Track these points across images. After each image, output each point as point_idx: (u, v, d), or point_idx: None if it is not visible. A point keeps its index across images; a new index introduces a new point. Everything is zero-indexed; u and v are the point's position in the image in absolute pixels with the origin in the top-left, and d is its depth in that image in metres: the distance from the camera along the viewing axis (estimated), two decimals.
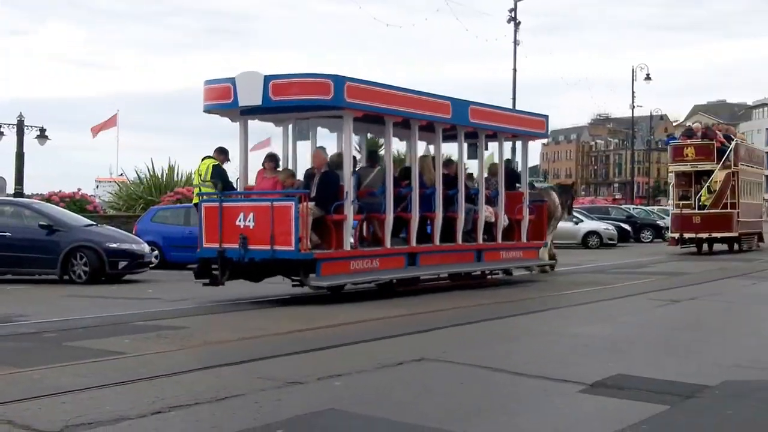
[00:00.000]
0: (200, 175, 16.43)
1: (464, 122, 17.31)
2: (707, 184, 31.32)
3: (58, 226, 19.06)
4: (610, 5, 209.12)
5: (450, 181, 17.01)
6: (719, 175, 31.22)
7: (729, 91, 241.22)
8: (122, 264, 18.82)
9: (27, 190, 34.17)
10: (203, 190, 15.95)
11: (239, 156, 15.71)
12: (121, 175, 38.21)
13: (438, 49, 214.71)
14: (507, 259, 18.76)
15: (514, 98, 47.39)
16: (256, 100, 14.36)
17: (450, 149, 18.34)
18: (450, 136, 17.45)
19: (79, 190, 31.90)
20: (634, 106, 67.63)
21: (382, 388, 7.45)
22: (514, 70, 47.15)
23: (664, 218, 43.39)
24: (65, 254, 18.45)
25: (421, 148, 17.87)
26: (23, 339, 10.39)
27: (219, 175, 15.67)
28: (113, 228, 21.08)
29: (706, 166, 31.50)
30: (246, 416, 6.30)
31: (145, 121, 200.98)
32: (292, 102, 14.60)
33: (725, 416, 6.57)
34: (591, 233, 36.70)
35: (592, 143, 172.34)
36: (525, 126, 19.65)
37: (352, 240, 14.79)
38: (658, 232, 43.60)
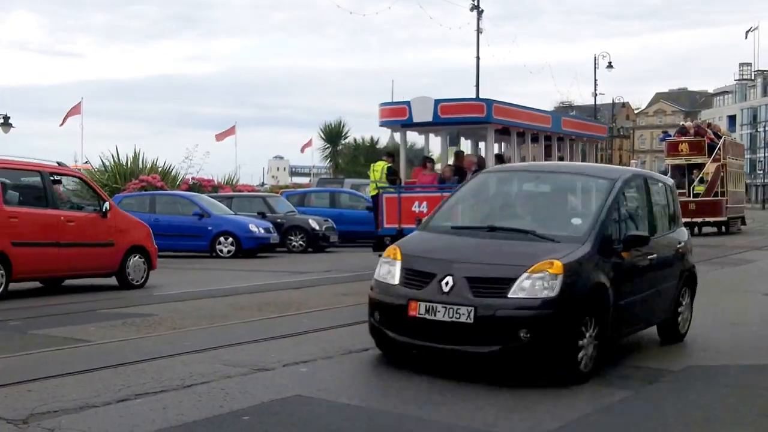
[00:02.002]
0: (376, 173, 20.23)
1: (558, 130, 22.40)
2: (700, 175, 35.17)
3: None
4: None
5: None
6: (710, 168, 35.33)
7: (690, 80, 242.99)
8: None
9: None
10: (379, 185, 19.69)
11: (401, 158, 20.44)
12: (86, 162, 37.78)
13: (401, 36, 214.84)
14: None
15: (477, 85, 47.41)
16: (428, 118, 19.14)
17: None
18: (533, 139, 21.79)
19: None
20: (596, 94, 67.85)
21: (347, 374, 7.49)
22: (477, 57, 47.11)
23: None
24: None
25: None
26: None
27: (392, 174, 19.71)
28: None
29: (699, 160, 35.69)
30: (212, 403, 6.31)
31: (109, 109, 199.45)
32: (455, 119, 19.43)
33: (688, 400, 6.67)
34: None
35: None
36: (594, 131, 25.56)
37: None
38: None
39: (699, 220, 34.35)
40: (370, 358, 8.17)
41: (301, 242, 25.47)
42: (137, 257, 15.26)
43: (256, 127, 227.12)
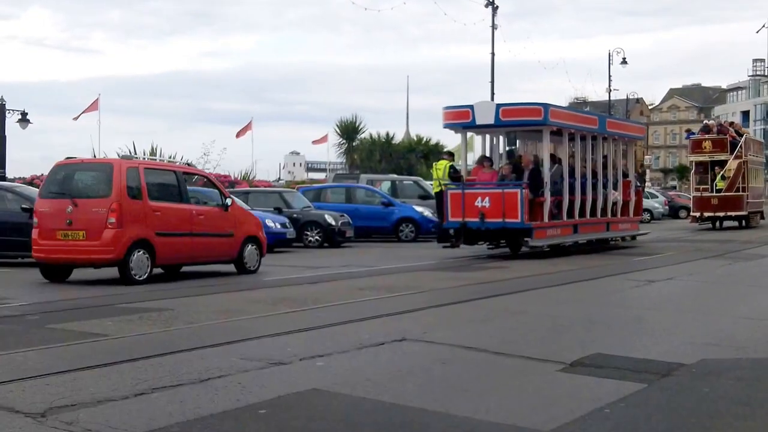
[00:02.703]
0: (438, 171, 23.17)
1: (603, 131, 24.40)
2: (722, 171, 36.80)
3: None
4: None
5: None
6: (732, 164, 36.93)
7: (703, 75, 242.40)
8: None
9: (9, 174, 34.00)
10: (442, 182, 22.55)
11: (462, 157, 22.78)
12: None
13: (416, 33, 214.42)
14: (622, 230, 25.67)
15: (492, 82, 47.45)
16: (490, 120, 21.23)
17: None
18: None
19: None
20: (610, 90, 67.66)
21: (363, 368, 7.53)
22: (492, 53, 47.18)
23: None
24: None
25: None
26: (4, 321, 10.42)
27: (455, 172, 22.47)
28: None
29: (721, 157, 37.19)
30: (229, 397, 6.36)
31: (126, 105, 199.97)
32: (515, 122, 21.64)
33: (702, 394, 6.68)
34: None
35: None
36: (634, 132, 28.02)
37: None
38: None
39: (721, 214, 36.37)
40: (387, 353, 8.22)
41: (317, 237, 25.55)
42: (252, 246, 17.21)
43: (271, 123, 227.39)
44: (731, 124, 42.74)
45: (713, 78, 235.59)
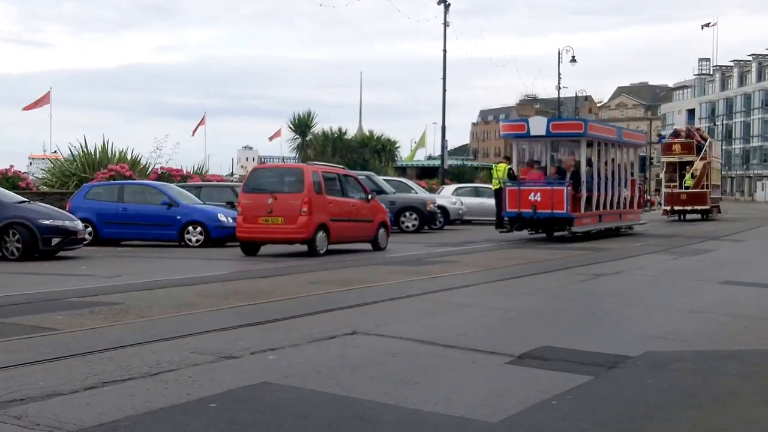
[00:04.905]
0: (498, 172, 28.08)
1: (620, 140, 29.96)
2: (691, 170, 42.46)
3: None
4: None
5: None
6: (698, 165, 42.83)
7: (651, 74, 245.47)
8: (55, 241, 18.65)
9: None
10: (502, 181, 27.05)
11: (515, 161, 27.64)
12: (55, 152, 37.62)
13: (371, 29, 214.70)
14: (630, 220, 31.31)
15: (444, 78, 47.72)
16: (542, 132, 26.69)
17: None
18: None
19: (11, 167, 31.42)
20: (560, 87, 68.36)
21: (314, 361, 7.57)
22: (444, 50, 47.48)
23: None
24: None
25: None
26: None
27: (512, 172, 26.95)
28: (46, 205, 20.83)
29: (689, 158, 43.25)
30: (180, 391, 6.38)
31: (80, 98, 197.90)
32: (560, 134, 27.65)
33: (646, 386, 6.81)
34: None
35: None
36: (639, 140, 34.54)
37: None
38: None
39: (689, 208, 42.45)
40: (338, 346, 8.26)
41: None
42: (383, 230, 22.17)
43: (225, 117, 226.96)
44: (697, 130, 50.15)
45: (660, 76, 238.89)
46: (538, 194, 25.36)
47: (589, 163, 27.31)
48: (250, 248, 20.31)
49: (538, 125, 26.88)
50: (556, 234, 26.28)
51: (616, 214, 29.51)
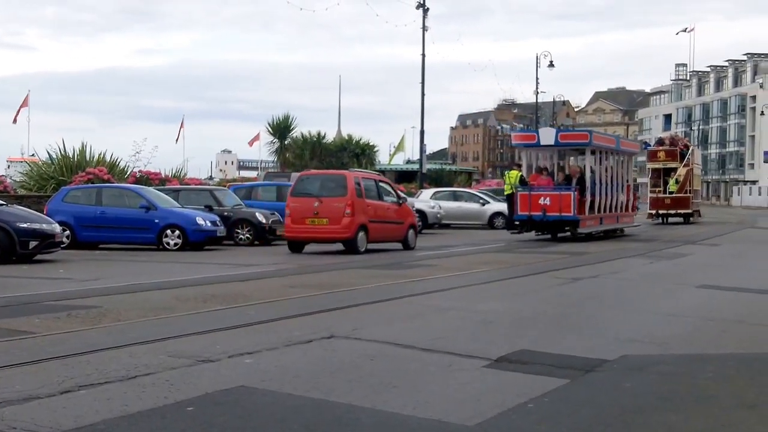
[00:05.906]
0: (511, 178, 29.39)
1: (618, 149, 32.33)
2: (676, 176, 44.65)
3: None
4: None
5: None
6: (682, 171, 44.98)
7: (628, 79, 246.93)
8: (33, 244, 18.53)
9: None
10: (514, 187, 28.54)
11: (525, 168, 29.64)
12: (33, 155, 37.48)
13: (350, 33, 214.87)
14: (625, 222, 33.26)
15: (423, 82, 47.83)
16: (551, 142, 29.25)
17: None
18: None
19: None
20: (538, 92, 68.66)
21: (291, 365, 7.57)
22: (423, 55, 47.57)
23: None
24: None
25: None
26: None
27: (523, 179, 28.75)
28: (24, 208, 20.74)
29: (673, 165, 45.40)
30: (157, 394, 6.36)
31: (60, 102, 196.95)
32: (567, 143, 30.32)
33: (623, 389, 6.84)
34: (497, 214, 37.17)
35: (498, 127, 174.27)
36: (634, 148, 38.11)
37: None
38: None
39: (673, 211, 44.56)
40: (316, 349, 8.26)
41: (248, 235, 25.46)
42: (411, 231, 24.04)
43: (204, 121, 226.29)
44: (680, 138, 53.45)
45: (638, 81, 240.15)
46: (548, 198, 27.45)
47: (592, 169, 29.47)
48: (297, 246, 22.31)
49: (547, 136, 29.67)
50: (560, 235, 28.32)
51: (614, 217, 31.64)
